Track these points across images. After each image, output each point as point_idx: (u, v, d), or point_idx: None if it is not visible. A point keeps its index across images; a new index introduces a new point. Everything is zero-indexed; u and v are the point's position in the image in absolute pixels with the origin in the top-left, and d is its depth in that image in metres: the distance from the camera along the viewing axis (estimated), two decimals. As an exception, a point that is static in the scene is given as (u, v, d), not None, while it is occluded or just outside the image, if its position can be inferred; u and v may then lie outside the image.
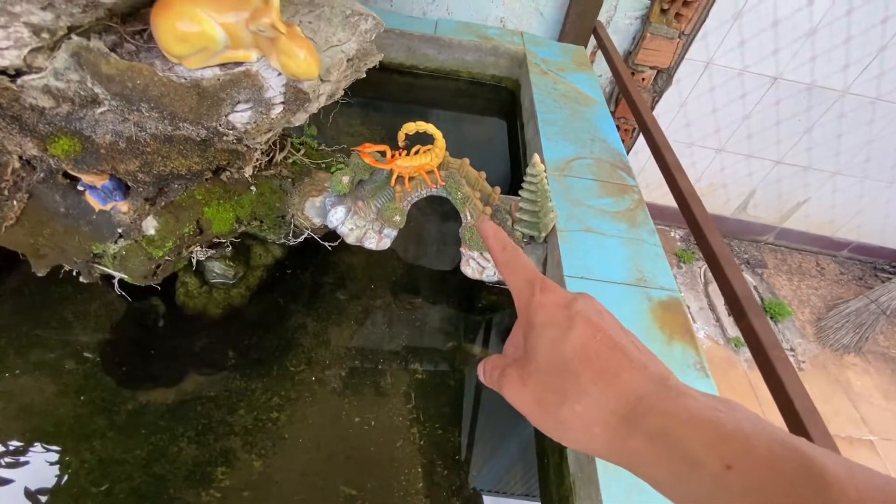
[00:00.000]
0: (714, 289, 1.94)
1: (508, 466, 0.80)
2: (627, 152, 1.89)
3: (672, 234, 2.13)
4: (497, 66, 1.26)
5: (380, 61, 0.69)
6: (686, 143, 1.84)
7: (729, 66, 1.59)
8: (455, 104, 1.29)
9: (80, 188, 0.57)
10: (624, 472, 0.22)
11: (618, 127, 1.83)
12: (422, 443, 0.82)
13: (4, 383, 0.79)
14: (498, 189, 0.77)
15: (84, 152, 0.55)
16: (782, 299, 1.95)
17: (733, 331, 1.79)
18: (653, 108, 1.74)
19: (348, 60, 0.62)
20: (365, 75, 0.71)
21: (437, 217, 1.00)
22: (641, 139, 1.82)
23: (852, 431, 1.57)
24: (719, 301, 1.89)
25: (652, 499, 0.29)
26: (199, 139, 0.54)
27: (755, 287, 2.00)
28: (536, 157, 0.68)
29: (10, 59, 0.46)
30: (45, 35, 0.45)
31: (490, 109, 1.29)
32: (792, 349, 1.79)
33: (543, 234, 0.76)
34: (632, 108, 1.08)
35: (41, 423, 0.75)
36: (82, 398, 0.79)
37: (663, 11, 1.50)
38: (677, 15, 1.49)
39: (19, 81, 0.49)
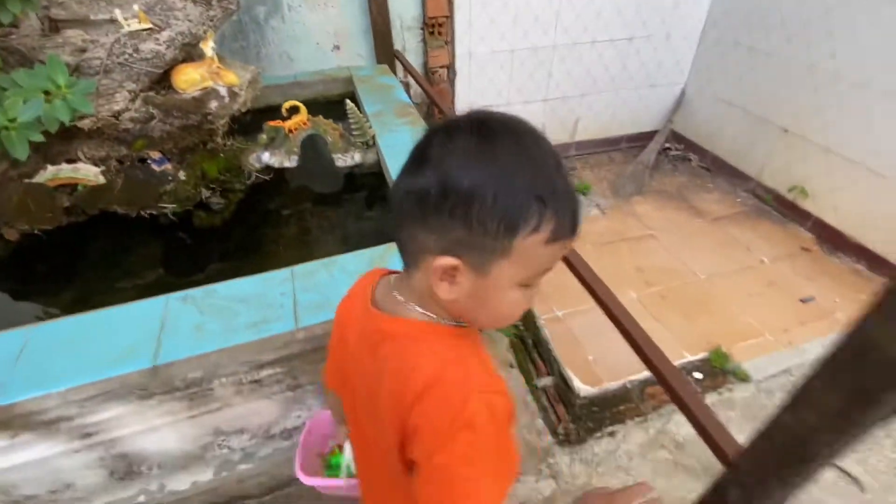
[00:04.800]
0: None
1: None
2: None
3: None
4: (338, 87, 2.13)
5: (269, 103, 1.50)
6: (484, 105, 2.79)
7: (482, 52, 2.58)
8: (322, 110, 2.12)
9: (148, 162, 1.31)
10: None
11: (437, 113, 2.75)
12: (348, 259, 1.55)
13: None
14: (340, 125, 1.59)
15: (148, 145, 1.29)
16: (584, 180, 2.90)
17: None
18: (454, 91, 2.69)
19: (249, 83, 1.43)
20: (259, 93, 1.52)
21: (326, 175, 1.80)
22: (457, 111, 2.74)
23: (640, 233, 2.48)
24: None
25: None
26: (195, 123, 1.31)
27: (571, 181, 2.95)
28: (348, 101, 1.51)
29: (119, 107, 1.21)
30: (133, 94, 1.22)
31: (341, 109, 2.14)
32: (598, 205, 2.71)
33: (370, 139, 1.58)
34: (431, 100, 1.94)
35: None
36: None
37: (430, 33, 2.47)
38: (438, 33, 2.46)
39: (120, 118, 1.24)
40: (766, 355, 1.83)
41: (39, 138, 1.06)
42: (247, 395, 1.08)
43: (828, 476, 1.48)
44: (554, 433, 1.63)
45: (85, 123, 1.19)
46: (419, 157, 0.49)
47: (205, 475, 1.28)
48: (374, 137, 1.58)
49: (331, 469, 0.97)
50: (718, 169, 2.94)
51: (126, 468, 1.15)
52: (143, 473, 1.19)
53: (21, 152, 1.04)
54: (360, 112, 1.54)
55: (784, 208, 2.55)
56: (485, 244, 0.46)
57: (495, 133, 0.47)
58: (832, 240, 2.33)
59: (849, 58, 2.09)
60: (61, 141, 1.23)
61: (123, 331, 0.92)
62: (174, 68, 1.25)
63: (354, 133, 1.57)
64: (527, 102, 2.87)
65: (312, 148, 1.52)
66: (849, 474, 1.49)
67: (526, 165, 0.46)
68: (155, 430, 1.07)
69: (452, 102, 2.78)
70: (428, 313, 0.53)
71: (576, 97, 2.92)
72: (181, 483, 1.26)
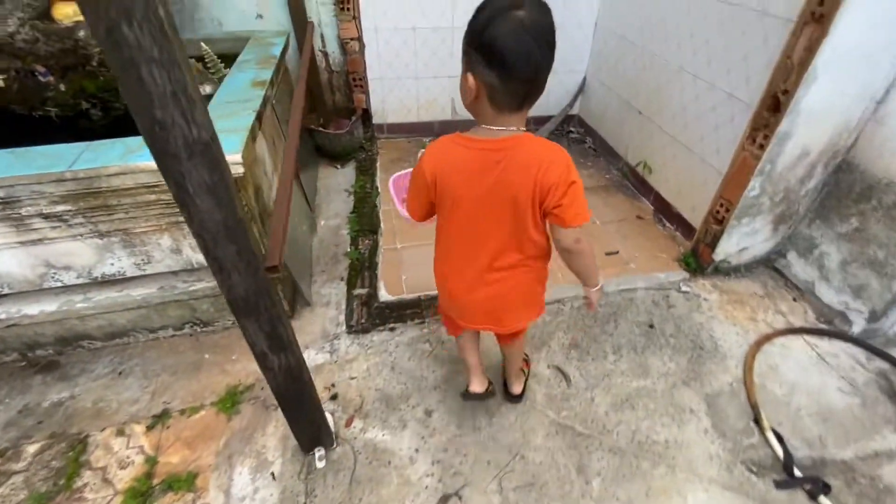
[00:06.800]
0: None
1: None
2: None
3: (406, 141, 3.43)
4: (240, 45, 2.57)
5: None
6: (395, 77, 3.18)
7: (386, 28, 2.97)
8: (227, 61, 2.57)
9: (36, 74, 1.77)
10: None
11: (354, 81, 3.16)
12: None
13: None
14: (201, 65, 2.02)
15: (36, 60, 1.76)
16: (484, 153, 3.24)
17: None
18: (365, 61, 3.08)
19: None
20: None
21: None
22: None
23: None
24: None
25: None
26: (71, 48, 1.76)
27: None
28: (203, 45, 1.93)
29: (11, 30, 1.68)
30: (21, 20, 1.68)
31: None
32: (482, 171, 3.05)
33: (223, 76, 2.00)
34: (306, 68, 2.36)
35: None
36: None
37: (341, 8, 2.88)
38: (347, 8, 2.87)
39: (14, 38, 1.70)
40: (551, 288, 2.14)
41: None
42: (61, 231, 1.52)
43: (545, 372, 1.81)
44: (349, 326, 2.01)
45: (-13, 39, 1.66)
46: (533, 12, 0.83)
47: (50, 306, 1.73)
48: (225, 77, 2.00)
49: None
50: (602, 150, 3.23)
51: (-16, 283, 1.61)
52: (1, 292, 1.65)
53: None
54: (217, 57, 1.97)
55: (637, 183, 2.83)
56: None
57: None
58: (663, 210, 2.60)
59: (674, 45, 2.37)
60: (-27, 52, 1.71)
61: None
62: (52, 4, 1.70)
63: (211, 71, 2.00)
64: (435, 77, 3.23)
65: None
66: (562, 371, 1.80)
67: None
68: (-4, 251, 1.53)
69: (364, 71, 3.18)
70: (521, 129, 0.94)
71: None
72: (32, 308, 1.72)
